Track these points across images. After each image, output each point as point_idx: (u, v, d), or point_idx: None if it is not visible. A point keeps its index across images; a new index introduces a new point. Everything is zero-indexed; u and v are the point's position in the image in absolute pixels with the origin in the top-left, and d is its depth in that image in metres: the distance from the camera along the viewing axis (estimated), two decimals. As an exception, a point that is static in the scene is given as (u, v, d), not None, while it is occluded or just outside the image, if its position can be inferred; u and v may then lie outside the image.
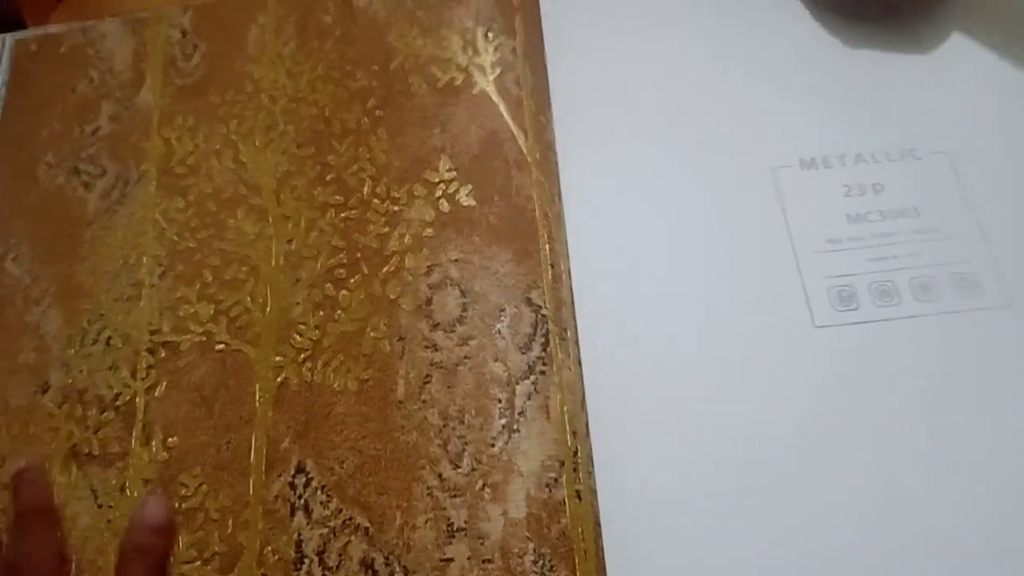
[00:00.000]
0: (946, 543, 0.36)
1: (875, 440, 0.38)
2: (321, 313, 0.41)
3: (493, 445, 0.37)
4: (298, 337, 0.41)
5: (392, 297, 0.41)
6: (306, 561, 0.37)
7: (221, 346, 0.42)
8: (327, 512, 0.37)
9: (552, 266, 0.41)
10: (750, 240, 0.43)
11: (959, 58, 0.46)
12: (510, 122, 0.44)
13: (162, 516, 0.37)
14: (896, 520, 0.36)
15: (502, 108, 0.45)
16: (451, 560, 0.36)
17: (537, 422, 0.38)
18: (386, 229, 0.43)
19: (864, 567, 0.36)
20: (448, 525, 0.36)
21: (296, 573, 0.37)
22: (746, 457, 0.38)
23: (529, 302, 0.40)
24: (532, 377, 0.39)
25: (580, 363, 0.40)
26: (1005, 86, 0.45)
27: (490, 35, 0.47)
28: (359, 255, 0.42)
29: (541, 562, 0.35)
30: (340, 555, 0.37)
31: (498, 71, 0.46)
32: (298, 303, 0.42)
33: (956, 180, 0.43)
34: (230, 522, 0.38)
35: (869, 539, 0.36)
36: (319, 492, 0.38)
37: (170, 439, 0.40)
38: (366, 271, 0.42)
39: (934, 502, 0.36)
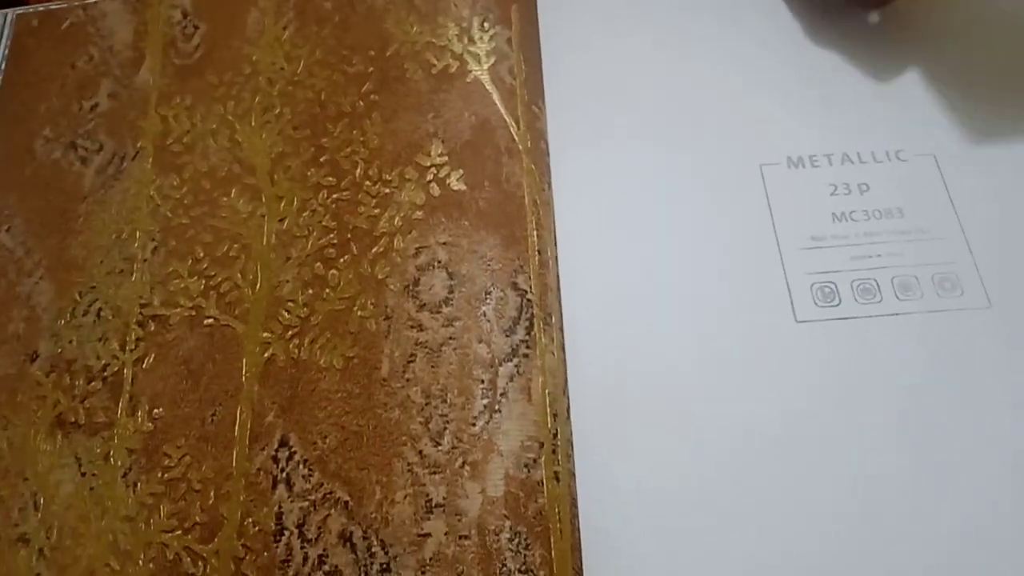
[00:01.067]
0: (926, 539, 0.36)
1: (852, 434, 0.38)
2: (310, 291, 0.42)
3: (474, 424, 0.38)
4: (286, 314, 0.42)
5: (380, 277, 0.42)
6: (286, 533, 0.37)
7: (210, 321, 0.42)
8: (308, 486, 0.38)
9: (539, 252, 0.41)
10: (736, 235, 0.43)
11: (948, 62, 0.47)
12: (502, 110, 0.45)
13: None
14: (874, 517, 0.37)
15: (495, 96, 0.45)
16: (428, 535, 0.36)
17: (518, 404, 0.38)
18: (377, 211, 0.43)
19: (839, 563, 0.36)
20: (427, 501, 0.37)
21: (276, 545, 0.37)
22: (724, 447, 0.38)
23: (515, 286, 0.41)
24: (515, 360, 0.39)
25: (563, 348, 0.40)
26: (992, 91, 0.46)
27: (486, 25, 0.47)
28: (349, 236, 0.43)
29: (517, 540, 0.36)
30: (319, 528, 0.37)
31: (492, 60, 0.46)
32: (288, 281, 0.42)
33: (941, 183, 0.44)
34: (212, 493, 0.39)
35: (844, 533, 0.36)
36: (301, 466, 0.38)
37: (156, 410, 0.40)
38: (356, 251, 0.42)
39: (914, 499, 0.37)
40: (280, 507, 0.38)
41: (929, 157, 0.45)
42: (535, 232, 0.42)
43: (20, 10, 0.54)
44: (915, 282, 0.41)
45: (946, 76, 0.47)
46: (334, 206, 0.44)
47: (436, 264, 0.41)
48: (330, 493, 0.38)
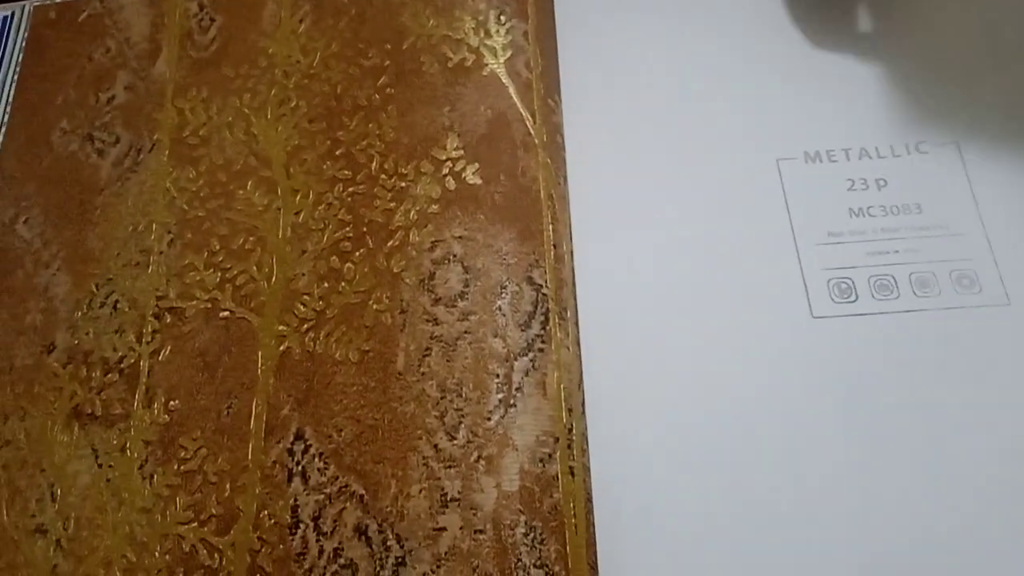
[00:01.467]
0: (938, 536, 0.36)
1: (866, 430, 0.38)
2: (325, 285, 0.42)
3: (489, 419, 0.38)
4: (302, 307, 0.42)
5: (396, 271, 0.42)
6: (301, 526, 0.37)
7: (226, 313, 0.42)
8: (324, 479, 0.38)
9: (555, 247, 0.41)
10: (752, 230, 0.43)
11: (968, 56, 0.46)
12: (518, 104, 0.45)
13: None
14: (888, 514, 0.37)
15: (511, 90, 0.45)
16: (443, 529, 0.36)
17: (534, 398, 0.38)
18: (392, 204, 0.43)
19: (853, 559, 0.36)
20: (442, 495, 0.37)
21: (291, 537, 0.37)
22: (739, 442, 0.38)
23: (530, 281, 0.41)
24: (531, 354, 0.39)
25: (579, 343, 0.40)
26: (1014, 85, 0.45)
27: (502, 18, 0.47)
28: (365, 229, 0.43)
29: (532, 535, 0.36)
30: (335, 521, 0.37)
31: (509, 53, 0.46)
32: (303, 274, 0.42)
33: (960, 177, 0.43)
34: (228, 485, 0.39)
35: (858, 530, 0.36)
36: (317, 459, 0.38)
37: (172, 402, 0.41)
38: (371, 245, 0.42)
39: (930, 497, 0.37)
40: (296, 500, 0.38)
41: (948, 151, 0.44)
42: (551, 226, 0.42)
43: (37, 2, 0.54)
44: (933, 278, 0.41)
45: (967, 67, 0.46)
46: (350, 199, 0.44)
47: (452, 258, 0.41)
48: (346, 486, 0.38)
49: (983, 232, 0.42)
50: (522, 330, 0.40)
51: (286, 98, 0.47)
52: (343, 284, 0.42)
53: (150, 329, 0.43)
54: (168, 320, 0.43)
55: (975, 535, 0.36)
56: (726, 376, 0.40)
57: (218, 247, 0.44)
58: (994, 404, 0.38)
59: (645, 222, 0.44)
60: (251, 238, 0.44)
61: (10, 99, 0.51)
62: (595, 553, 0.36)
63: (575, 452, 0.37)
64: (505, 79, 0.45)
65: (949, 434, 0.38)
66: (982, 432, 0.38)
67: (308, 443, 0.39)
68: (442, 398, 0.39)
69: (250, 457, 0.39)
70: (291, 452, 0.39)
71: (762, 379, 0.39)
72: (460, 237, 0.42)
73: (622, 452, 0.38)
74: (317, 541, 0.37)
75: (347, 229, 0.43)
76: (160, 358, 0.42)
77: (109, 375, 0.42)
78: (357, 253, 0.42)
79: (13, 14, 0.54)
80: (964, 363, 0.39)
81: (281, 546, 0.37)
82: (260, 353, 0.41)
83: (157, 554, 0.38)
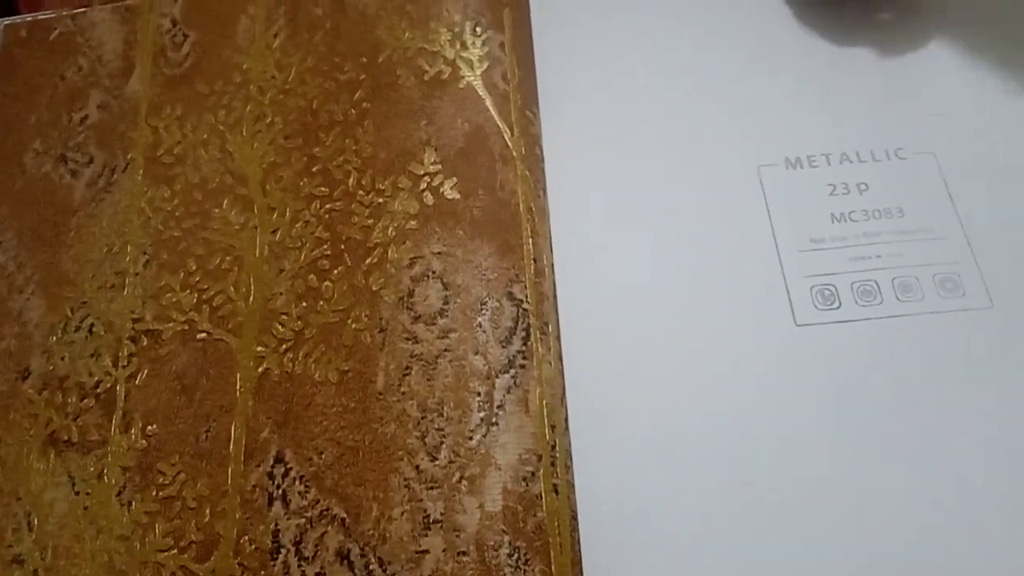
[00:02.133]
0: (926, 542, 0.36)
1: (853, 438, 0.38)
2: (304, 304, 0.41)
3: (471, 438, 0.37)
4: (280, 327, 0.41)
5: (374, 289, 0.41)
6: (282, 551, 0.37)
7: (203, 335, 0.42)
8: (304, 502, 0.38)
9: (535, 261, 0.41)
10: (734, 238, 0.43)
11: (948, 59, 0.46)
12: (496, 116, 0.44)
13: None
14: (875, 521, 0.36)
15: (488, 102, 0.45)
16: (426, 552, 0.36)
17: (516, 416, 0.38)
18: (370, 221, 0.43)
19: (841, 567, 0.36)
20: (424, 517, 0.36)
21: (272, 563, 0.37)
22: (725, 454, 0.38)
23: (511, 296, 0.40)
24: (512, 371, 0.39)
25: (561, 358, 0.40)
26: (993, 88, 0.45)
27: (478, 29, 0.47)
28: (343, 247, 0.42)
29: (516, 555, 0.35)
30: (316, 545, 0.37)
31: (485, 65, 0.46)
32: (281, 293, 0.42)
33: (941, 181, 0.43)
34: (207, 511, 0.38)
35: (846, 540, 0.36)
36: (297, 482, 0.38)
37: (149, 427, 0.40)
38: (349, 263, 0.42)
39: (915, 503, 0.36)
40: (276, 524, 0.37)
41: (929, 155, 0.44)
42: (530, 240, 0.41)
43: (8, 20, 0.53)
44: (916, 283, 0.41)
45: (946, 72, 0.46)
46: (327, 216, 0.43)
47: (431, 275, 0.41)
48: (327, 510, 0.37)
49: (965, 235, 0.42)
50: (503, 347, 0.39)
51: (261, 114, 0.47)
52: (321, 303, 0.41)
53: (126, 352, 0.42)
54: (144, 343, 0.42)
55: (963, 537, 0.36)
56: (712, 388, 0.39)
57: (194, 267, 0.43)
58: (980, 407, 0.38)
59: (626, 233, 0.43)
60: (228, 258, 0.43)
61: (-18, 120, 0.50)
62: (581, 572, 0.36)
63: (559, 470, 0.37)
64: (482, 91, 0.45)
65: (936, 439, 0.38)
66: (969, 435, 0.37)
67: (288, 466, 0.38)
68: (423, 418, 0.38)
69: (230, 482, 0.38)
70: (271, 476, 0.38)
71: (748, 391, 0.39)
72: (439, 253, 0.41)
73: (607, 468, 0.38)
74: (299, 566, 0.37)
75: (325, 247, 0.42)
76: (137, 382, 0.41)
77: (85, 400, 0.41)
78: (335, 271, 0.42)
79: (-16, 33, 0.53)
80: (949, 367, 0.39)
81: (262, 572, 0.37)
82: (238, 375, 0.40)
83: (137, 583, 0.37)
